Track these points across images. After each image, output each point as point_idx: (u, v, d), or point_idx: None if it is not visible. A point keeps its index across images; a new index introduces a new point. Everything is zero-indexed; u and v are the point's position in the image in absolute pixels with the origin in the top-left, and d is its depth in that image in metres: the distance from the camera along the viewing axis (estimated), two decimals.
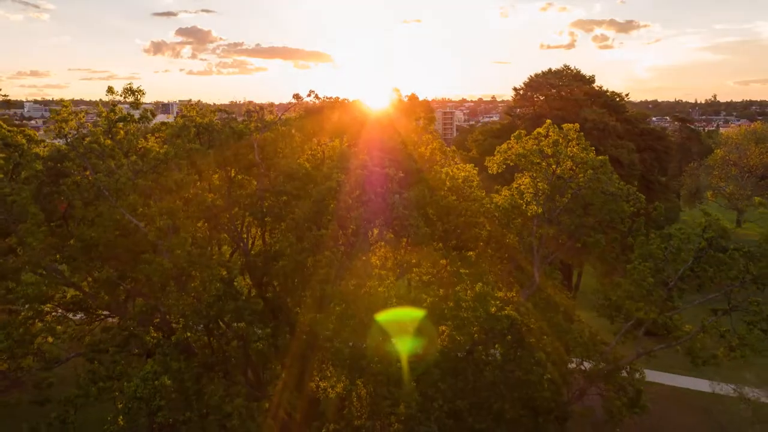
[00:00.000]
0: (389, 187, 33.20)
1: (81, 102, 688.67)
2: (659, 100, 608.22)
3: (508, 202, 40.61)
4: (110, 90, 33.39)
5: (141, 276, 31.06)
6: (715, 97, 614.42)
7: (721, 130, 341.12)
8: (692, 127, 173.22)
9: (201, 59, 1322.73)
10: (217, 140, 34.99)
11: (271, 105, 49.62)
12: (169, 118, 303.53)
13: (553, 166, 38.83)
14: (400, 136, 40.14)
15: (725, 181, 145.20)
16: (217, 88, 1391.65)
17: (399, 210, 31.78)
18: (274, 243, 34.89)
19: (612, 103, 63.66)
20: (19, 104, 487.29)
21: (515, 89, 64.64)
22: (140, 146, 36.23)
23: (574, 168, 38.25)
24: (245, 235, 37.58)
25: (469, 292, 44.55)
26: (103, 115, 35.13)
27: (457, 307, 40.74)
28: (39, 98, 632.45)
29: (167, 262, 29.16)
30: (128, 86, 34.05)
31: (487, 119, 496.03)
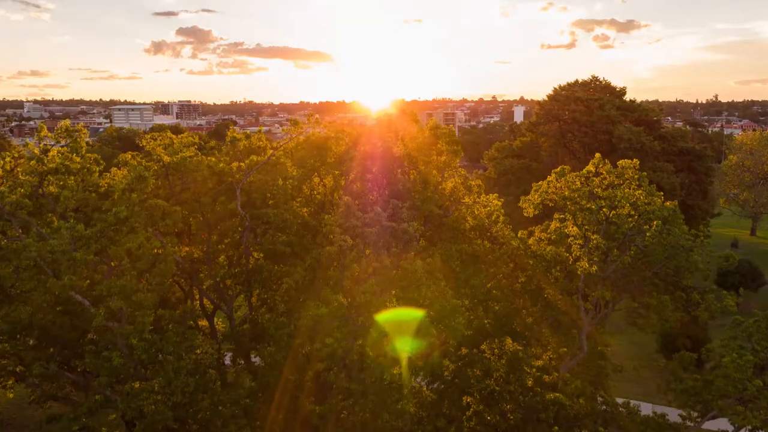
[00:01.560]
0: (405, 245, 25.82)
1: (81, 102, 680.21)
2: (660, 99, 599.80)
3: (550, 255, 32.77)
4: (41, 130, 25.85)
5: (89, 368, 23.72)
6: (716, 97, 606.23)
7: (726, 131, 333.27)
8: (705, 131, 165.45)
9: (201, 59, 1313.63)
10: (191, 183, 27.55)
11: (263, 131, 42.03)
12: (169, 119, 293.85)
13: (606, 211, 31.29)
14: (419, 173, 32.60)
15: (739, 188, 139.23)
16: (218, 87, 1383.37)
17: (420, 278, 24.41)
18: (262, 314, 27.66)
19: (646, 118, 56.14)
20: (19, 104, 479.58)
21: (539, 103, 57.04)
22: (87, 201, 28.30)
23: (633, 214, 30.65)
24: (231, 292, 30.09)
25: (496, 351, 37.08)
26: (27, 167, 27.39)
27: (485, 374, 33.33)
28: (39, 98, 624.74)
29: (117, 358, 21.73)
30: (63, 126, 26.48)
31: (488, 119, 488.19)
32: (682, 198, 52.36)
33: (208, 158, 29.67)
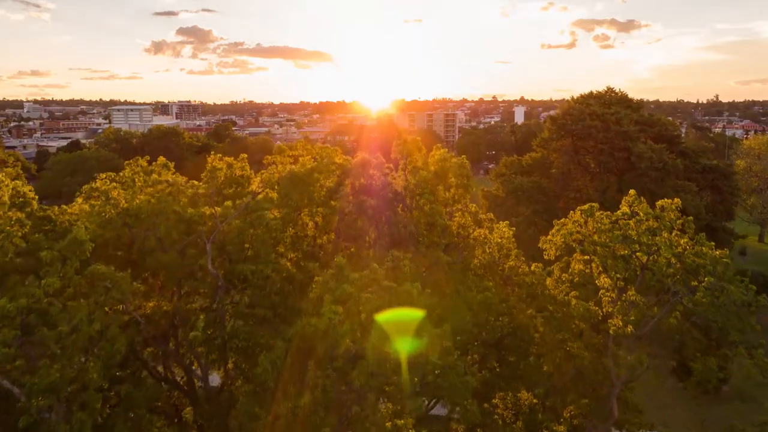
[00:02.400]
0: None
1: (81, 102, 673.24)
2: (661, 100, 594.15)
3: (578, 310, 27.87)
4: None
5: None
6: (717, 97, 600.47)
7: (728, 131, 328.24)
8: (711, 135, 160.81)
9: (202, 59, 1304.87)
10: (153, 234, 22.90)
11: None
12: (168, 120, 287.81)
13: (641, 256, 26.67)
14: (423, 214, 27.95)
15: (746, 193, 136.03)
16: (218, 87, 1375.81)
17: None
18: (239, 386, 23.09)
19: (666, 133, 51.46)
20: (19, 104, 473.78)
21: (551, 118, 52.33)
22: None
23: (674, 262, 25.96)
24: (203, 360, 25.37)
25: (510, 405, 32.43)
26: None
27: None
28: (39, 98, 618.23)
29: None
30: None
31: (488, 119, 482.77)
32: (708, 221, 47.75)
33: (181, 196, 25.05)
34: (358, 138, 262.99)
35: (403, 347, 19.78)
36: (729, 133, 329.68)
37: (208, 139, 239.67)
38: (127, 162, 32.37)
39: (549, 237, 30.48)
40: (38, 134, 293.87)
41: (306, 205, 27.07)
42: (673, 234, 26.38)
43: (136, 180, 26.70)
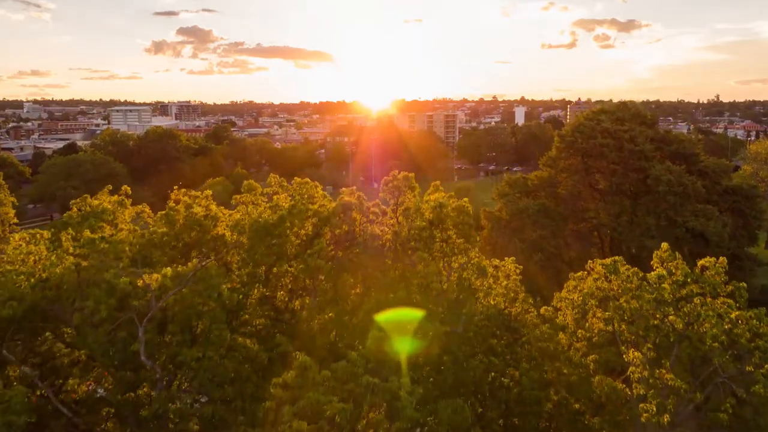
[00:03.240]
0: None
1: (81, 102, 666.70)
2: (661, 100, 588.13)
3: (602, 389, 23.03)
4: None
5: None
6: (717, 97, 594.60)
7: (730, 132, 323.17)
8: (715, 139, 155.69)
9: (202, 59, 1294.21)
10: (80, 311, 18.21)
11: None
12: (167, 120, 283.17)
13: (677, 323, 21.98)
14: (415, 274, 23.30)
15: None
16: (218, 87, 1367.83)
17: None
18: None
19: (684, 151, 46.74)
20: (18, 104, 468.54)
21: (559, 135, 47.54)
22: None
23: (721, 337, 21.19)
24: None
25: None
26: None
27: None
28: (39, 98, 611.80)
29: None
30: None
31: (489, 120, 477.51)
32: (732, 249, 43.00)
33: (123, 255, 20.37)
34: (358, 139, 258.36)
35: None
36: (730, 133, 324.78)
37: (207, 140, 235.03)
38: (73, 201, 27.61)
39: (564, 293, 25.81)
40: (36, 135, 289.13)
41: (275, 262, 22.48)
42: (719, 302, 21.59)
43: (63, 239, 21.98)
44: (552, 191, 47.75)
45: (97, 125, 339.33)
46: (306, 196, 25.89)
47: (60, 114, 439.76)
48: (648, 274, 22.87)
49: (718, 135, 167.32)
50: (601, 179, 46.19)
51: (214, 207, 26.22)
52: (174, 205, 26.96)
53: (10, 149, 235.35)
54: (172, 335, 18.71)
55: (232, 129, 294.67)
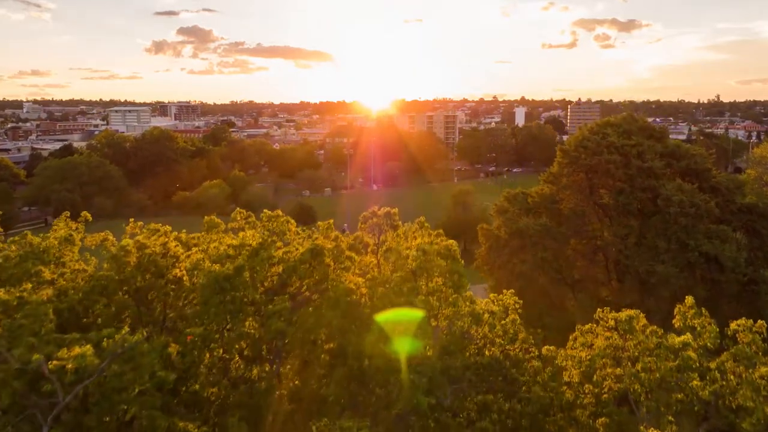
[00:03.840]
0: None
1: (81, 102, 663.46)
2: (662, 100, 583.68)
3: None
4: None
5: None
6: (718, 97, 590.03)
7: (731, 132, 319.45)
8: (718, 142, 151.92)
9: (202, 59, 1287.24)
10: None
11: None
12: (167, 121, 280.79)
13: (705, 394, 18.53)
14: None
15: None
16: (218, 87, 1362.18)
17: None
18: None
19: (695, 167, 43.26)
20: (18, 104, 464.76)
21: (562, 150, 43.95)
22: None
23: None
24: None
25: None
26: None
27: None
28: (39, 98, 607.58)
29: None
30: None
31: (489, 120, 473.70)
32: (749, 275, 39.53)
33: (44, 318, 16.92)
34: (357, 140, 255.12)
35: None
36: (731, 133, 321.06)
37: (205, 141, 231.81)
38: (11, 239, 24.13)
39: (569, 349, 22.38)
40: (33, 136, 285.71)
41: (229, 322, 19.10)
42: (757, 375, 18.10)
43: None
44: (554, 209, 44.28)
45: (96, 126, 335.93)
46: (278, 229, 22.41)
47: (60, 114, 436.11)
48: (670, 336, 19.40)
49: (720, 137, 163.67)
50: (606, 197, 42.70)
51: (173, 245, 22.81)
52: (129, 241, 23.56)
53: (7, 150, 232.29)
54: (89, 430, 15.22)
55: (231, 129, 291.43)
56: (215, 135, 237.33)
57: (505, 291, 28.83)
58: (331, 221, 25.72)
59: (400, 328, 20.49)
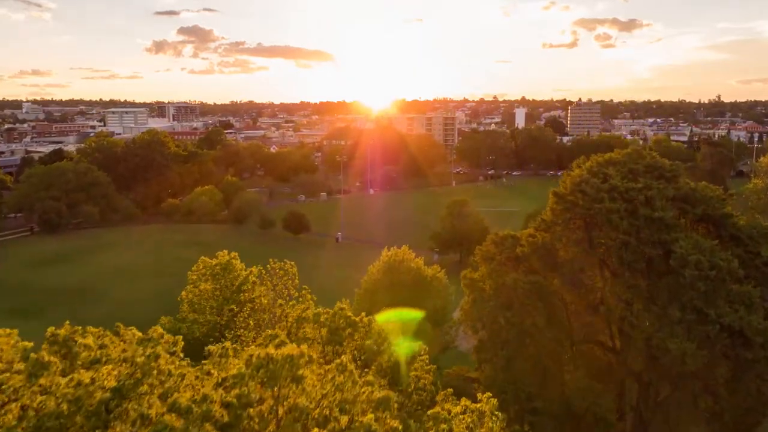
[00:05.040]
0: None
1: (80, 102, 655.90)
2: (662, 100, 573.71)
3: None
4: None
5: None
6: (719, 97, 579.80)
7: (732, 133, 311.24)
8: (725, 151, 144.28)
9: (203, 58, 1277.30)
10: None
11: None
12: (165, 122, 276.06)
13: None
14: None
15: (763, 214, 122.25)
16: (219, 87, 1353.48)
17: None
18: None
19: (713, 213, 36.01)
20: (18, 104, 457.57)
21: (555, 193, 36.41)
22: None
23: None
24: None
25: None
26: None
27: None
28: (39, 98, 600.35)
29: None
30: None
31: (489, 120, 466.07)
32: None
33: None
34: (355, 142, 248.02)
35: None
36: (733, 135, 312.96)
37: (200, 144, 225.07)
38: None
39: None
40: (28, 138, 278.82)
41: None
42: None
43: None
44: (548, 262, 37.15)
45: (93, 127, 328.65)
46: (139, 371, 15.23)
47: (59, 114, 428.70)
48: None
49: (723, 144, 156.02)
50: (609, 253, 35.55)
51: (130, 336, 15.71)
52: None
53: (1, 153, 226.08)
54: None
55: (229, 131, 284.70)
56: (210, 138, 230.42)
57: (481, 396, 22.45)
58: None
59: None
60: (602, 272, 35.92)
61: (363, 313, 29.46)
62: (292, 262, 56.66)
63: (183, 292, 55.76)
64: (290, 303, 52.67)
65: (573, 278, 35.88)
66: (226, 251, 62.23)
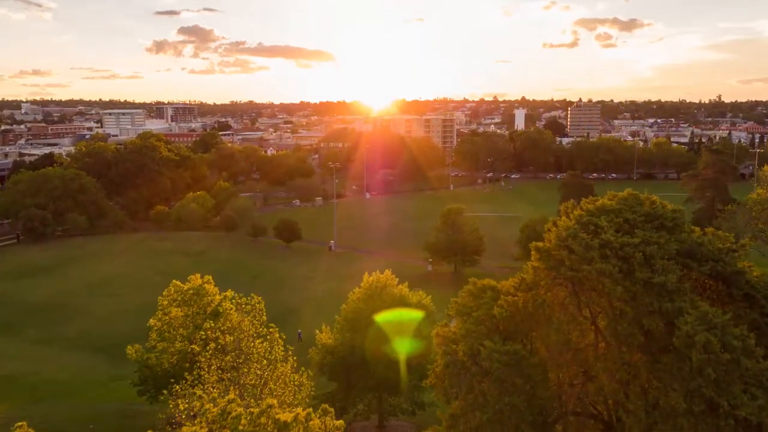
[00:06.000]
0: None
1: (80, 102, 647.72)
2: (663, 99, 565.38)
3: None
4: None
5: None
6: (719, 97, 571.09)
7: (733, 135, 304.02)
8: (727, 161, 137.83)
9: (203, 58, 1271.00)
10: None
11: None
12: (162, 123, 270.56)
13: None
14: None
15: (766, 225, 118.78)
16: (219, 87, 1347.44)
17: None
18: None
19: (724, 270, 30.08)
20: (17, 105, 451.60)
21: (538, 249, 30.16)
22: None
23: None
24: None
25: None
26: None
27: None
28: (39, 98, 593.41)
29: None
30: None
31: (489, 120, 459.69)
32: None
33: None
34: (352, 145, 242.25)
35: None
36: (734, 136, 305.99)
37: (195, 147, 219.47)
38: None
39: None
40: (23, 141, 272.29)
41: None
42: None
43: None
44: (529, 329, 31.28)
45: (90, 129, 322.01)
46: None
47: (58, 115, 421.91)
48: None
49: (725, 152, 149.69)
50: (602, 321, 29.66)
51: None
52: None
53: None
54: None
55: (226, 132, 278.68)
56: (205, 141, 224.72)
57: None
58: None
59: None
60: (595, 342, 30.01)
61: (299, 410, 23.76)
62: (260, 298, 51.86)
63: (152, 320, 52.45)
64: (257, 341, 48.15)
65: (557, 350, 30.01)
66: (198, 275, 57.91)
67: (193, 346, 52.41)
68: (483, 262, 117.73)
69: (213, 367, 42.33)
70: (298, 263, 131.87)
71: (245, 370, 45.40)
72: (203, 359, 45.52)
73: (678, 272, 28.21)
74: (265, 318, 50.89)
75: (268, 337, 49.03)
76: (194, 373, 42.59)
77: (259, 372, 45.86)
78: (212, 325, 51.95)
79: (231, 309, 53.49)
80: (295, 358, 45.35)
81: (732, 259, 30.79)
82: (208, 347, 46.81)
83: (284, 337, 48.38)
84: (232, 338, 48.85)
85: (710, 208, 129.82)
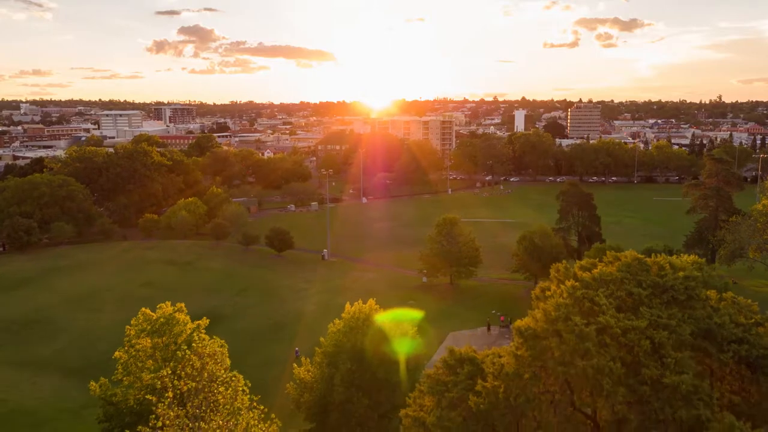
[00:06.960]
0: None
1: (80, 102, 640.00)
2: (663, 99, 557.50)
3: None
4: None
5: None
6: (720, 97, 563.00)
7: (734, 136, 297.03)
8: (730, 168, 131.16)
9: (203, 58, 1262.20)
10: None
11: None
12: (160, 125, 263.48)
13: None
14: None
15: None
16: (219, 87, 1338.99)
17: None
18: None
19: (748, 355, 24.32)
20: (16, 105, 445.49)
21: (521, 332, 23.90)
22: None
23: None
24: None
25: None
26: None
27: None
28: (39, 98, 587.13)
29: None
30: None
31: (489, 121, 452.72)
32: None
33: None
34: (350, 148, 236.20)
35: None
36: (735, 137, 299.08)
37: (190, 150, 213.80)
38: None
39: None
40: (17, 143, 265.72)
41: None
42: None
43: None
44: (511, 420, 25.50)
45: (87, 130, 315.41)
46: None
47: (57, 115, 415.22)
48: None
49: (728, 161, 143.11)
50: (601, 417, 23.85)
51: None
52: None
53: None
54: None
55: (224, 134, 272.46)
56: (200, 144, 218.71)
57: None
58: None
59: None
60: (586, 423, 24.27)
61: None
62: (222, 341, 46.48)
63: (117, 352, 46.92)
64: (219, 389, 42.34)
65: None
66: (169, 302, 52.34)
67: (148, 396, 46.98)
68: (480, 272, 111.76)
69: (171, 415, 37.33)
70: (289, 274, 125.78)
71: (207, 422, 40.23)
72: (160, 410, 40.06)
73: (694, 366, 22.29)
74: (228, 362, 45.55)
75: (232, 384, 43.37)
76: (151, 423, 37.34)
77: (221, 422, 40.23)
78: (169, 372, 46.31)
79: (205, 340, 48.85)
80: (263, 407, 40.13)
81: (757, 338, 24.87)
82: (166, 395, 41.20)
83: (249, 384, 42.95)
84: (194, 384, 43.21)
85: (714, 219, 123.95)
